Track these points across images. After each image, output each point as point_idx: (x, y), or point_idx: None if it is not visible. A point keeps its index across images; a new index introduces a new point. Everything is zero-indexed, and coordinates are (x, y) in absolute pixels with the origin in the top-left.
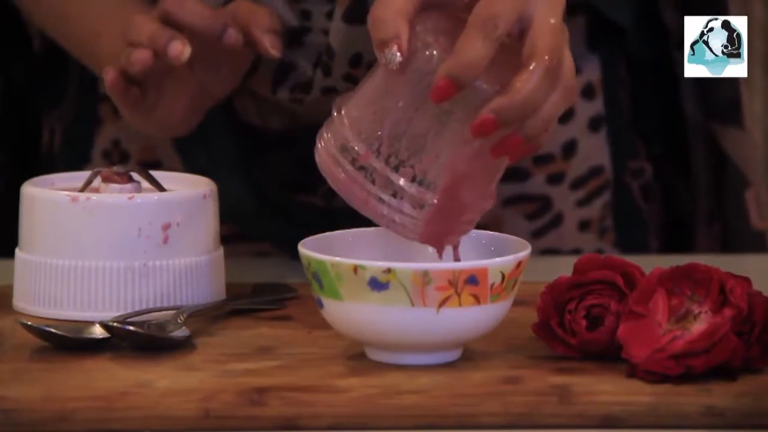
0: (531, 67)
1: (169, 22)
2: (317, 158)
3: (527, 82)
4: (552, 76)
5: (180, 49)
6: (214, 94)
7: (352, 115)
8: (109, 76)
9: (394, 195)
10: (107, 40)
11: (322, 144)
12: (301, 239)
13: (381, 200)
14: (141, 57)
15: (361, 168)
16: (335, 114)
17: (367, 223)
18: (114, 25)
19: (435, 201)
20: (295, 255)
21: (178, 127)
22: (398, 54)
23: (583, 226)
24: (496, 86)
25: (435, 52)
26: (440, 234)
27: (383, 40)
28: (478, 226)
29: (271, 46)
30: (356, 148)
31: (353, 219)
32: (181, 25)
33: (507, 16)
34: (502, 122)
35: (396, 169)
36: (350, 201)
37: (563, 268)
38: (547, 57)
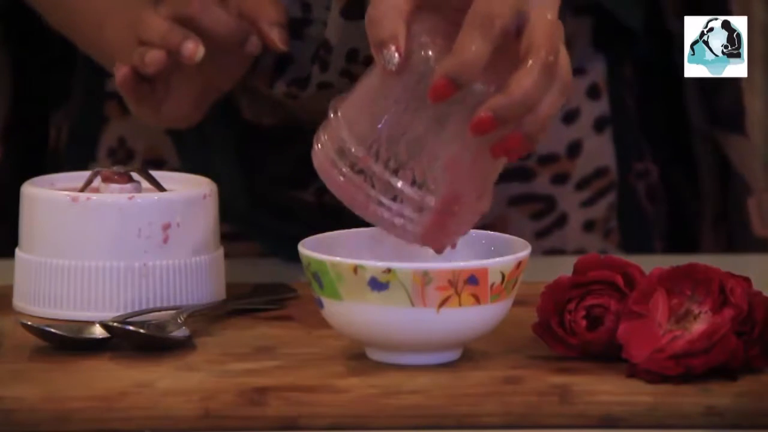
0: (528, 65)
1: (186, 23)
2: (314, 161)
3: (525, 79)
4: (549, 72)
5: (193, 50)
6: (221, 87)
7: (349, 117)
8: (120, 72)
9: (394, 198)
10: (111, 30)
11: (320, 146)
12: (294, 238)
13: (381, 204)
14: (156, 58)
15: (360, 171)
16: (332, 115)
17: (362, 221)
18: (119, 16)
19: (435, 204)
20: (289, 255)
21: (185, 119)
22: (396, 55)
23: (588, 226)
24: (492, 85)
25: (431, 53)
26: (440, 236)
27: (381, 40)
28: (483, 226)
29: (279, 40)
30: (353, 150)
31: (344, 215)
32: (204, 31)
33: (504, 14)
34: (500, 120)
35: (395, 172)
36: (350, 205)
37: (564, 268)
38: (543, 54)
